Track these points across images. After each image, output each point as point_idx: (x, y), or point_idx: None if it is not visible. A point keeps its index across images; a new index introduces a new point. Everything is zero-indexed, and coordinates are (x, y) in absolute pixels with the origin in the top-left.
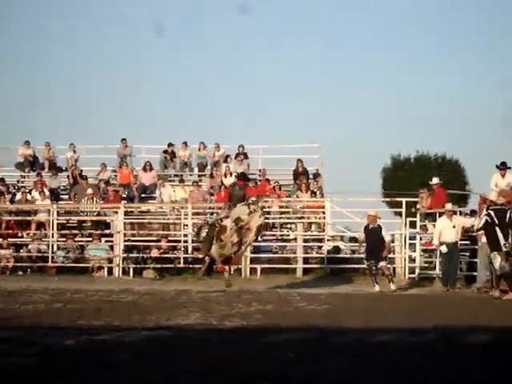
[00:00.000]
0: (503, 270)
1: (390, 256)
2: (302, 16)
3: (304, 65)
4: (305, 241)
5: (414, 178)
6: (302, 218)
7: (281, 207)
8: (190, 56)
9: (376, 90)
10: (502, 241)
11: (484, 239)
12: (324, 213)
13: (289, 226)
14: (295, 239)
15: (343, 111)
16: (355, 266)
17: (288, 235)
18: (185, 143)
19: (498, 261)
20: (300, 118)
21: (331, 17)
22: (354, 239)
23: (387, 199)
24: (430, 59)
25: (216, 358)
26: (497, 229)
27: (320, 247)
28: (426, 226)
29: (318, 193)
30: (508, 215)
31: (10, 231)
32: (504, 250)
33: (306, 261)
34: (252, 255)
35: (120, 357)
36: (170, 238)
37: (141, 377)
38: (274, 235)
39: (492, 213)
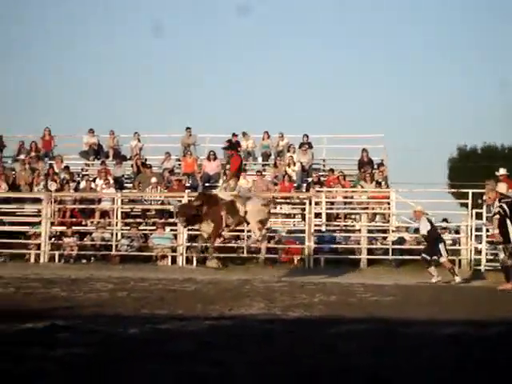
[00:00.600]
0: (504, 264)
1: (455, 248)
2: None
3: (368, 53)
4: (369, 231)
5: (481, 169)
6: (367, 208)
7: (345, 197)
8: (253, 44)
9: (441, 78)
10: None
11: None
12: (389, 203)
13: (353, 216)
14: (359, 230)
15: (408, 101)
16: (420, 257)
17: (352, 226)
18: (244, 133)
19: (502, 253)
20: (365, 107)
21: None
22: (418, 230)
23: (453, 190)
24: (496, 46)
25: (278, 349)
26: (508, 221)
27: (384, 238)
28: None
29: (382, 183)
30: None
31: (74, 219)
32: None
33: (370, 252)
34: (316, 245)
35: (182, 347)
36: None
37: (202, 367)
38: (338, 225)
39: (504, 205)
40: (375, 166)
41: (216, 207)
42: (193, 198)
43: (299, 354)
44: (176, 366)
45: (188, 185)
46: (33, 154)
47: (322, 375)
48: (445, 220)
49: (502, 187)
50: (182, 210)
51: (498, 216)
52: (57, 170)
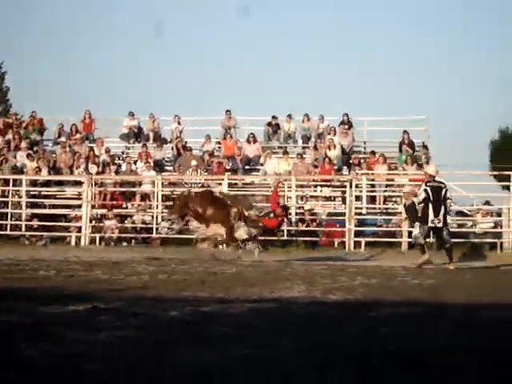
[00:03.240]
0: (416, 241)
1: (497, 231)
2: None
3: (409, 35)
4: None
5: None
6: None
7: (386, 180)
8: (292, 27)
9: (482, 60)
10: (431, 216)
11: None
12: None
13: (394, 199)
14: (400, 212)
15: (450, 82)
16: (462, 240)
17: (393, 208)
18: (289, 115)
19: (416, 230)
20: (406, 89)
21: None
22: (460, 213)
23: (495, 173)
24: None
25: (320, 333)
26: (430, 205)
27: None
28: None
29: (424, 165)
30: (443, 192)
31: (115, 202)
32: (431, 225)
33: (411, 235)
34: (356, 228)
35: (223, 329)
36: None
37: (245, 350)
38: (379, 208)
39: (428, 189)
40: (416, 149)
41: (225, 209)
42: (191, 193)
43: (341, 337)
44: (218, 349)
45: (228, 167)
46: (77, 136)
47: (366, 359)
48: (487, 202)
49: (430, 169)
50: (179, 206)
51: (422, 199)
52: (97, 153)
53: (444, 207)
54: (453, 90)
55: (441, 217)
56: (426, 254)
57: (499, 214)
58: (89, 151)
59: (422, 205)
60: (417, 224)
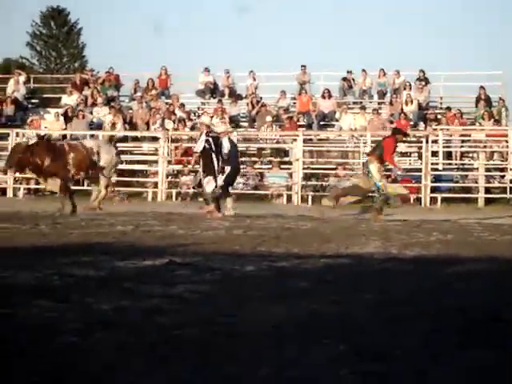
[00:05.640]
0: (214, 194)
1: None
2: None
3: None
4: (487, 170)
5: None
6: (485, 146)
7: (462, 135)
8: None
9: None
10: (216, 166)
11: None
12: (507, 141)
13: (470, 154)
14: (477, 168)
15: None
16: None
17: (470, 164)
18: (364, 70)
19: (211, 186)
20: (481, 43)
21: None
22: None
23: None
24: None
25: (397, 288)
26: (213, 155)
27: (502, 177)
28: None
29: (502, 121)
30: (221, 142)
31: (191, 158)
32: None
33: (487, 190)
34: (432, 184)
35: (299, 284)
36: (348, 167)
37: (321, 306)
38: (456, 164)
39: (210, 139)
40: (493, 104)
41: (61, 160)
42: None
43: (418, 295)
44: (294, 304)
45: (303, 123)
46: (153, 91)
47: (441, 313)
48: None
49: (206, 119)
50: (15, 158)
51: (201, 149)
52: (173, 109)
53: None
54: None
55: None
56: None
57: None
58: (167, 107)
59: None
60: (209, 178)
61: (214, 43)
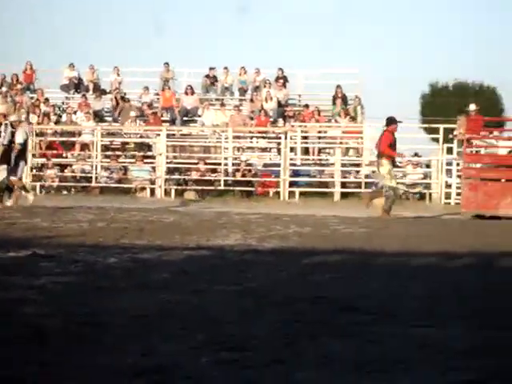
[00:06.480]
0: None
1: (426, 181)
2: None
3: None
4: (343, 165)
5: (452, 105)
6: (341, 143)
7: (319, 132)
8: None
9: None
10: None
11: None
12: (362, 138)
13: (327, 150)
14: (333, 164)
15: (383, 36)
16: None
17: (326, 160)
18: (226, 68)
19: (3, 175)
20: (339, 42)
21: None
22: None
23: (425, 125)
24: None
25: (254, 279)
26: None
27: (358, 172)
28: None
29: (356, 118)
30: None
31: (55, 151)
32: None
33: (343, 185)
34: (291, 179)
35: (161, 276)
36: (210, 161)
37: (182, 296)
38: (313, 159)
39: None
40: (349, 102)
41: None
42: None
43: (275, 285)
44: (155, 295)
45: (166, 118)
46: (19, 86)
47: (296, 304)
48: (416, 154)
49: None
50: None
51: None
52: (37, 103)
53: None
54: (386, 44)
55: None
56: None
57: (428, 166)
58: (33, 101)
59: None
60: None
61: (80, 39)
